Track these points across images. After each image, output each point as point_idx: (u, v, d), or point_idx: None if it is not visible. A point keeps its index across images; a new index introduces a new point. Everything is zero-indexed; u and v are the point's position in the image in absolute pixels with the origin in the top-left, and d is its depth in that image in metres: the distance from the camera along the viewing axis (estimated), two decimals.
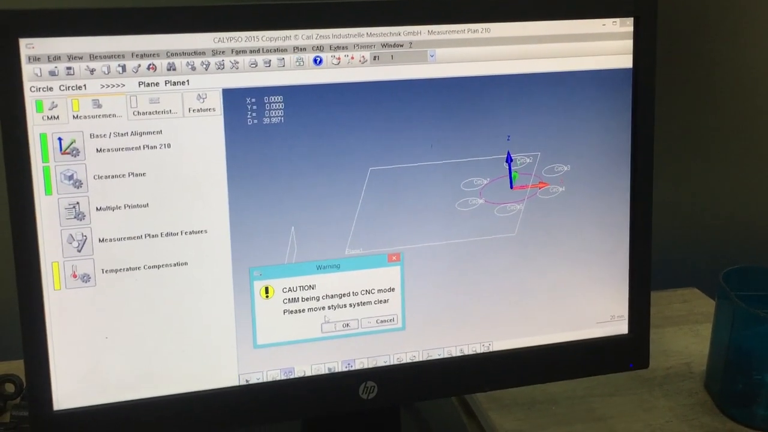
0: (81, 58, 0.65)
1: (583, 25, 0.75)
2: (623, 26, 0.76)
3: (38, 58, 0.64)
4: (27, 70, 0.64)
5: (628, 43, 0.76)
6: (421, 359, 0.76)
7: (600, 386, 0.92)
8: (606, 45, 0.76)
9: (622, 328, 0.81)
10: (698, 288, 1.16)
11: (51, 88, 0.65)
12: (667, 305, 1.11)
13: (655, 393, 0.92)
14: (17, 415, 0.83)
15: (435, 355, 0.77)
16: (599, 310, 0.80)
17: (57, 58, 0.65)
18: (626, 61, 0.76)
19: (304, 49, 0.69)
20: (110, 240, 0.68)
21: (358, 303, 0.74)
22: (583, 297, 0.79)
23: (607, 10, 0.76)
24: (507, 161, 0.75)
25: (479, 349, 0.78)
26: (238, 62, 0.68)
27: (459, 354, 0.77)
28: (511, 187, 0.76)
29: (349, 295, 0.74)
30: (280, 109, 0.69)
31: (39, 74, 0.64)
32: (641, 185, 0.79)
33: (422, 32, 0.71)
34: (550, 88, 0.75)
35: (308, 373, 0.74)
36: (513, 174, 0.75)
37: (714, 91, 1.19)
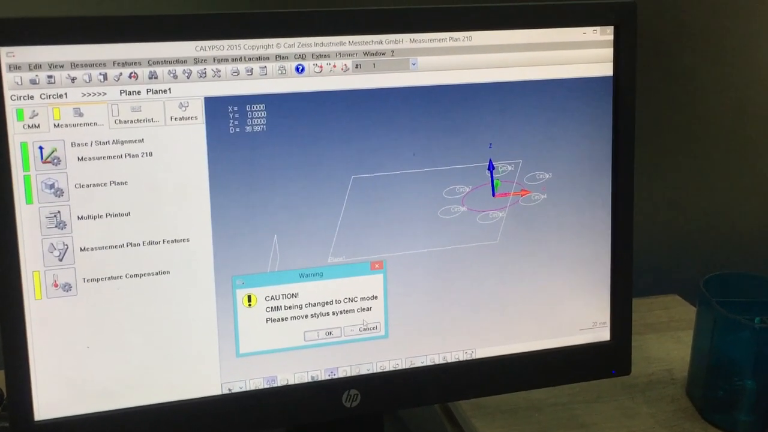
0: (62, 66, 0.65)
1: (563, 33, 0.76)
2: (603, 35, 0.77)
3: (19, 67, 0.64)
4: (7, 78, 0.64)
5: (609, 52, 0.77)
6: (404, 367, 0.76)
7: (583, 393, 0.92)
8: (586, 53, 0.76)
9: (604, 334, 0.81)
10: (679, 295, 1.17)
11: (32, 97, 0.65)
12: (648, 312, 1.12)
13: (638, 399, 0.92)
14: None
15: (418, 362, 0.77)
16: (581, 317, 0.80)
17: (38, 66, 0.64)
18: (607, 69, 0.77)
19: (286, 57, 0.69)
20: (92, 249, 0.67)
21: (340, 311, 0.74)
22: (565, 304, 0.80)
23: (588, 18, 0.76)
24: (489, 169, 0.75)
25: (462, 356, 0.78)
26: (220, 70, 0.68)
27: (442, 361, 0.77)
28: (493, 195, 0.76)
29: (331, 303, 0.74)
30: (263, 117, 0.69)
31: (19, 83, 0.64)
32: (622, 193, 0.79)
33: (404, 40, 0.72)
34: (532, 96, 0.75)
35: (291, 382, 0.74)
36: (495, 182, 0.76)
37: (695, 99, 1.20)
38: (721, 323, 0.87)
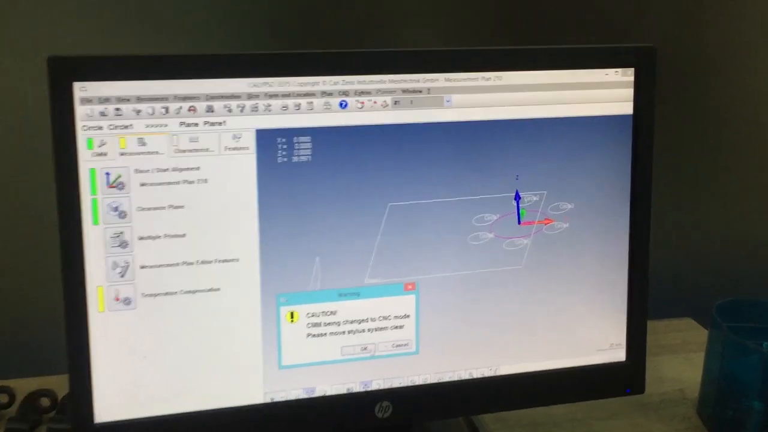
0: (128, 100, 0.71)
1: (587, 74, 0.81)
2: (624, 76, 0.82)
3: (90, 100, 0.70)
4: (80, 110, 0.70)
5: (629, 92, 0.82)
6: (432, 381, 0.82)
7: (599, 410, 0.97)
8: (608, 93, 0.82)
9: (620, 355, 0.87)
10: (693, 318, 1.22)
11: (101, 127, 0.71)
12: (663, 334, 1.17)
13: (651, 417, 0.97)
14: (54, 428, 0.89)
15: (446, 377, 0.82)
16: (599, 339, 0.86)
17: (107, 100, 0.71)
18: (627, 108, 0.83)
19: (331, 93, 0.75)
20: (150, 267, 0.73)
21: (375, 328, 0.80)
22: (584, 326, 0.85)
23: (610, 61, 0.82)
24: (515, 199, 0.81)
25: (487, 372, 0.83)
26: (270, 105, 0.74)
27: (468, 377, 0.83)
28: (519, 223, 0.82)
29: (367, 320, 0.79)
30: (308, 148, 0.75)
31: (90, 114, 0.71)
32: (640, 222, 0.85)
33: (440, 80, 0.78)
34: (557, 132, 0.81)
35: (328, 393, 0.79)
36: (521, 211, 0.81)
37: (712, 127, 1.25)
38: (730, 347, 0.92)
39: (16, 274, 1.06)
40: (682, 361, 1.10)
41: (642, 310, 0.86)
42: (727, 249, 1.30)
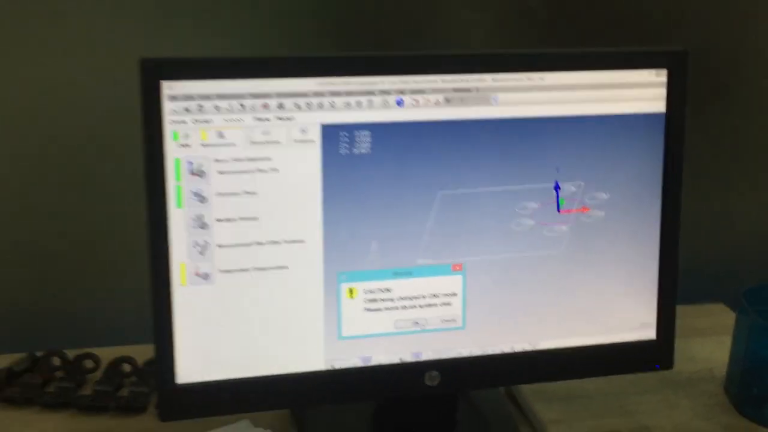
0: (209, 97, 0.80)
1: (623, 75, 0.88)
2: (658, 76, 0.89)
3: (176, 98, 0.79)
4: (167, 106, 0.79)
5: (663, 91, 0.89)
6: (477, 354, 0.90)
7: (632, 386, 1.04)
8: (643, 92, 0.89)
9: (650, 333, 0.94)
10: (725, 303, 1.29)
11: (185, 122, 0.80)
12: (696, 318, 1.23)
13: (680, 393, 1.04)
14: (134, 391, 0.99)
15: (489, 351, 0.90)
16: (631, 318, 0.93)
17: (191, 97, 0.80)
18: (660, 107, 0.90)
19: (389, 92, 0.83)
20: (226, 246, 0.82)
21: (426, 305, 0.88)
22: (617, 306, 0.93)
23: (645, 62, 0.89)
24: (555, 189, 0.89)
25: (527, 347, 0.91)
26: (334, 102, 0.82)
27: (509, 351, 0.91)
28: (558, 211, 0.89)
29: (418, 297, 0.88)
30: (368, 141, 0.83)
31: (176, 110, 0.79)
32: (670, 211, 0.91)
33: (487, 80, 0.85)
34: (594, 128, 0.88)
35: (383, 362, 0.88)
36: (560, 200, 0.89)
37: (745, 116, 1.31)
38: (756, 329, 0.99)
39: (101, 255, 1.16)
40: (713, 342, 1.16)
41: (671, 292, 0.93)
42: (759, 235, 1.36)
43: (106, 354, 1.05)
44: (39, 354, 1.06)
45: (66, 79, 1.10)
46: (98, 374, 1.03)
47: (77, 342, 1.09)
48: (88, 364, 1.04)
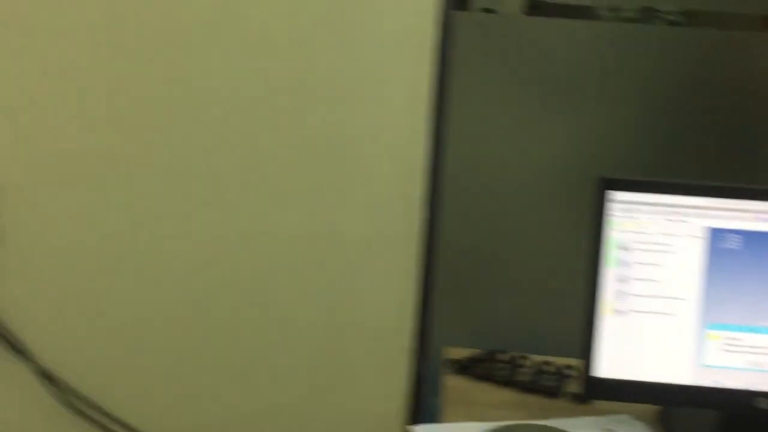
0: (635, 202, 1.30)
1: None
2: None
3: (615, 200, 1.31)
4: (611, 207, 1.31)
5: None
6: None
7: None
8: None
9: None
10: None
11: (620, 216, 1.31)
12: None
13: None
14: (553, 383, 1.51)
15: None
16: None
17: (625, 201, 1.31)
18: None
19: (759, 212, 1.28)
20: (637, 296, 1.32)
21: (766, 353, 1.31)
22: None
23: None
24: None
25: None
26: (719, 215, 1.29)
27: None
28: None
29: (762, 347, 1.30)
30: (740, 241, 1.29)
31: (616, 210, 1.31)
32: None
33: None
34: None
35: (730, 386, 1.32)
36: None
37: None
38: None
39: (550, 284, 1.71)
40: None
41: None
42: None
43: (536, 358, 1.59)
44: (485, 351, 1.62)
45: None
46: (527, 369, 1.57)
47: (515, 345, 1.65)
48: (523, 361, 1.58)
